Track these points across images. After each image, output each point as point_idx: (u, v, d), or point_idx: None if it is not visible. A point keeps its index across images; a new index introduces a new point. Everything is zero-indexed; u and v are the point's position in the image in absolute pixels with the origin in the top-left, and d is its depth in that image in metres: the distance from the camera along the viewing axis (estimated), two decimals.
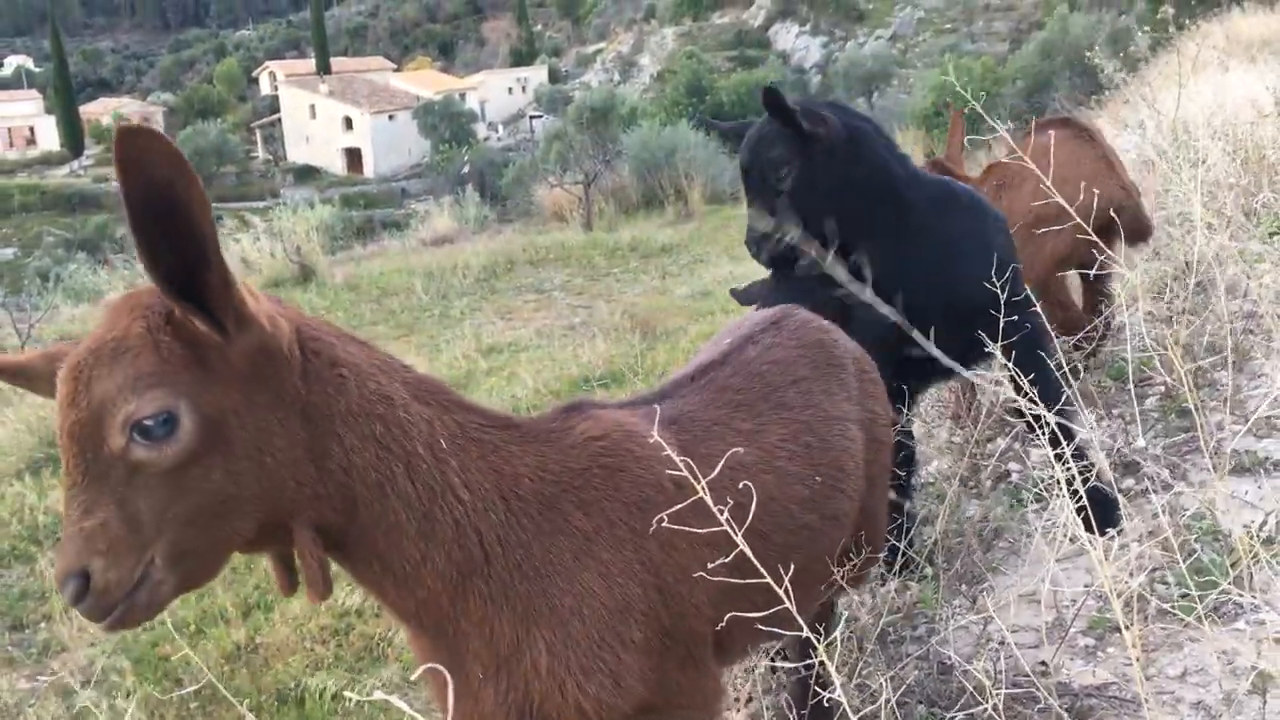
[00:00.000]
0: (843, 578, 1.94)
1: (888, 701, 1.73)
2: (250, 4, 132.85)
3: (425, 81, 66.25)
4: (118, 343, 1.39)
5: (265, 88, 74.90)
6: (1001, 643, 1.91)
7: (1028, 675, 1.71)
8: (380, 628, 5.87)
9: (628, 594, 1.58)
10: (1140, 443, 2.04)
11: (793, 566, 1.75)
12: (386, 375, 1.64)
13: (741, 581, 1.62)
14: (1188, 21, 12.18)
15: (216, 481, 1.41)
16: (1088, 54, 4.10)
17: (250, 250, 18.84)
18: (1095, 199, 3.11)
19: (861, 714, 1.65)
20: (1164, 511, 1.90)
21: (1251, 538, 1.71)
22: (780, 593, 1.55)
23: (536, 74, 70.49)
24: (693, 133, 25.18)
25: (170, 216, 1.36)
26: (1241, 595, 1.42)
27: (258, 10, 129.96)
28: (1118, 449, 2.28)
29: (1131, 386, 2.19)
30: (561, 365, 9.84)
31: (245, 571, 6.76)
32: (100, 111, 69.12)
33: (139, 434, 1.37)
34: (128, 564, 1.37)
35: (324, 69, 67.06)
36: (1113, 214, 3.52)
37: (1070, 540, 1.73)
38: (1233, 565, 1.52)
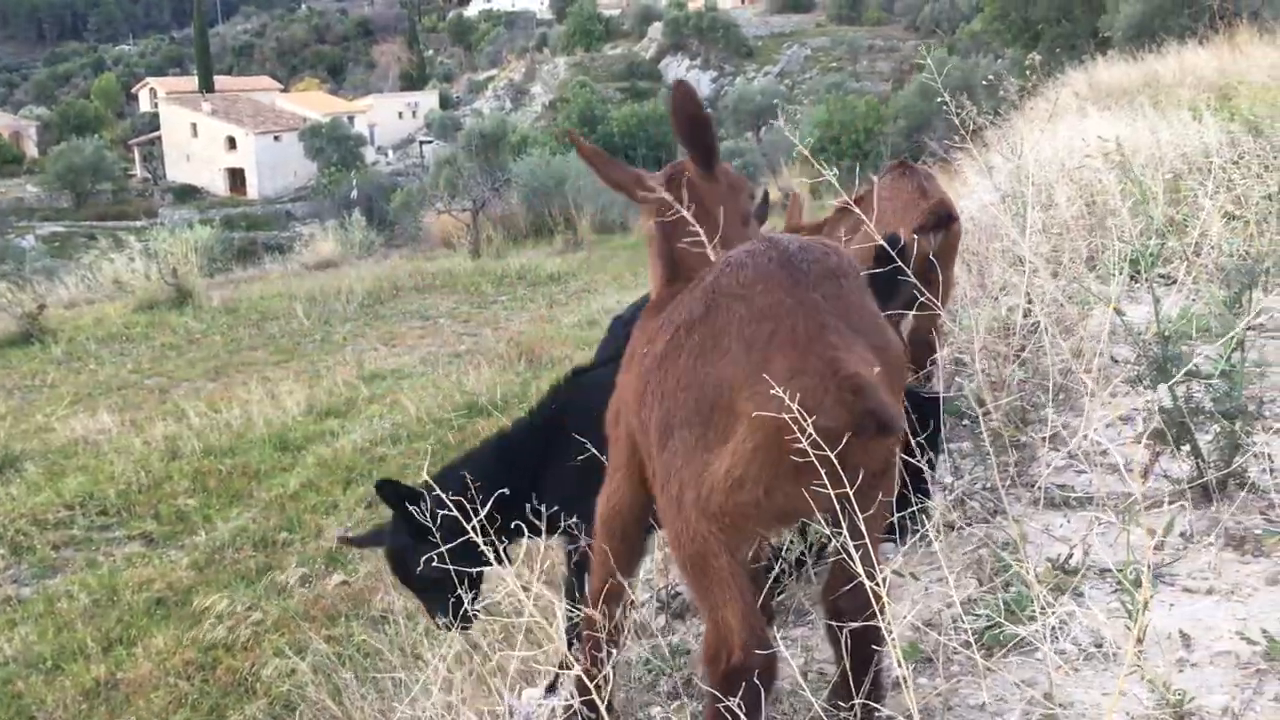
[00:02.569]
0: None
1: None
2: (131, 18, 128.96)
3: (313, 103, 65.20)
4: None
5: (145, 104, 72.75)
6: (820, 673, 1.99)
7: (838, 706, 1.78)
8: (248, 661, 5.73)
9: None
10: (949, 478, 2.16)
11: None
12: None
13: None
14: (1049, 71, 12.77)
15: None
16: (940, 99, 4.20)
17: (124, 271, 18.29)
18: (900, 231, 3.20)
19: None
20: (981, 544, 2.01)
21: (1054, 571, 1.82)
22: None
23: (427, 99, 69.96)
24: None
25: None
26: (1036, 627, 1.52)
27: (139, 25, 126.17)
28: (948, 483, 2.40)
29: (940, 424, 2.31)
30: (445, 393, 9.78)
31: (108, 605, 6.54)
32: None
33: None
34: None
35: (207, 87, 65.38)
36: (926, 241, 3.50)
37: (895, 573, 1.83)
38: (1037, 597, 1.62)
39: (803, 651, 2.12)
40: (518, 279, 16.80)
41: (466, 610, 2.86)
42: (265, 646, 5.81)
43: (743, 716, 1.76)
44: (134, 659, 5.84)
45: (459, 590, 2.80)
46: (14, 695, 5.62)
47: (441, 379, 10.60)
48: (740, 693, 1.78)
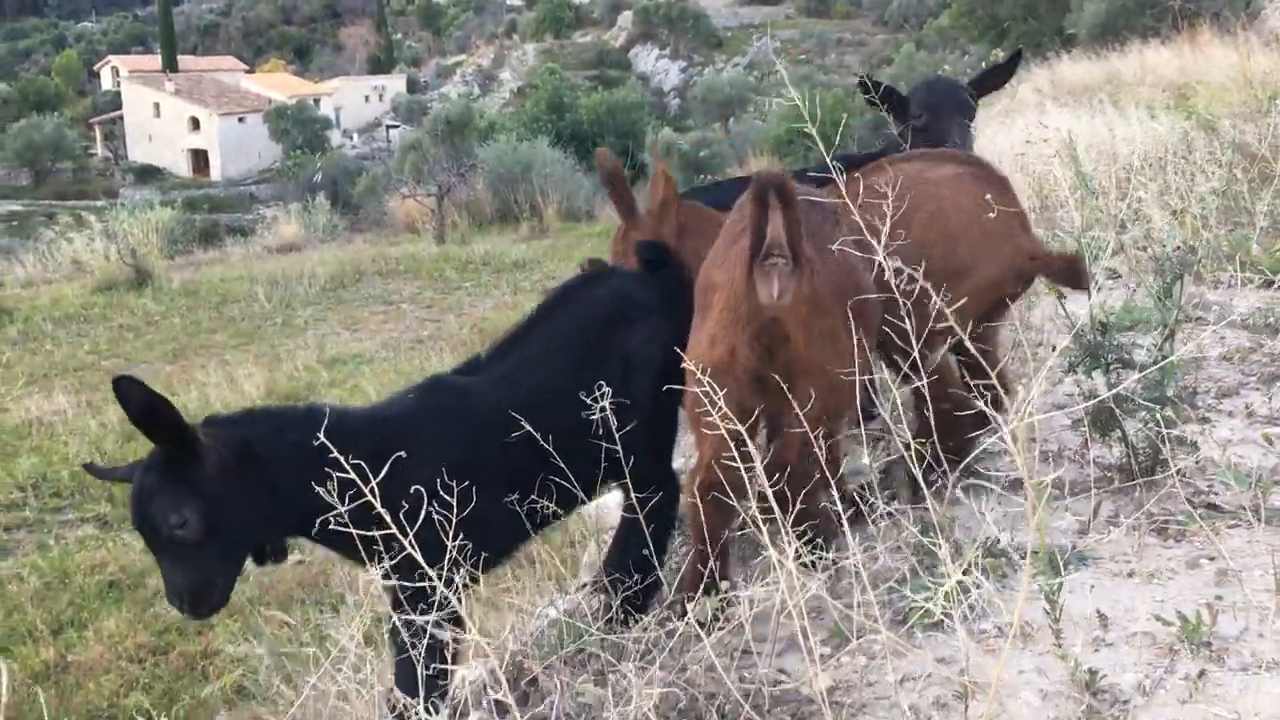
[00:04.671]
0: None
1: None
2: None
3: (278, 84, 64.57)
4: None
5: (107, 83, 71.74)
6: (746, 652, 2.03)
7: (761, 683, 1.83)
8: (201, 645, 5.71)
9: None
10: (864, 459, 2.21)
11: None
12: None
13: None
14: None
15: None
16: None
17: (83, 251, 18.07)
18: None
19: None
20: (911, 526, 2.08)
21: (976, 552, 1.87)
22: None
23: (395, 83, 69.46)
24: (550, 149, 25.24)
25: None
26: (953, 607, 1.56)
27: (101, 2, 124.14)
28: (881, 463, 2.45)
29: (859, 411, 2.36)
30: (407, 378, 9.73)
31: (60, 587, 6.48)
32: None
33: None
34: None
35: (170, 66, 64.54)
36: None
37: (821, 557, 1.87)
38: (948, 576, 1.67)
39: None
40: (482, 265, 16.74)
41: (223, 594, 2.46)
42: (219, 630, 5.79)
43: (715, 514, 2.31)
44: (85, 642, 5.81)
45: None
46: None
47: (403, 364, 10.57)
48: (707, 499, 2.30)
